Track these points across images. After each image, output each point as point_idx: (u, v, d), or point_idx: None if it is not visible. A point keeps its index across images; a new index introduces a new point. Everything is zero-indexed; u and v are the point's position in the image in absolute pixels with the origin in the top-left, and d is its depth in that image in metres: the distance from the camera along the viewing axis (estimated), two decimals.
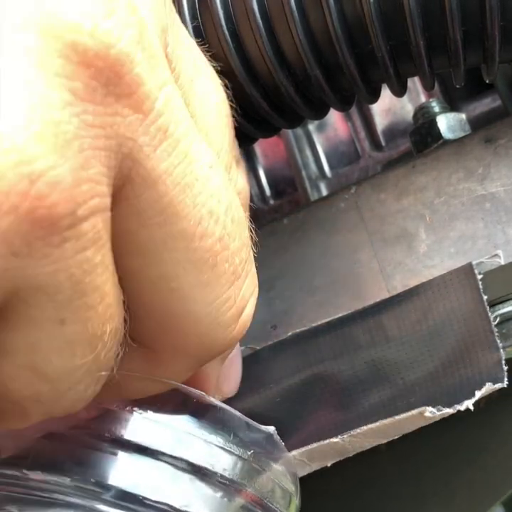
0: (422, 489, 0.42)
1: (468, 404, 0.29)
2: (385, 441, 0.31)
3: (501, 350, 0.30)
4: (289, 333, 0.34)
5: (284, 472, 0.27)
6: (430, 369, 0.31)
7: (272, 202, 0.52)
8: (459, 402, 0.29)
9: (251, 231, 0.23)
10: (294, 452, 0.31)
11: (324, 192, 0.51)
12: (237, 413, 0.27)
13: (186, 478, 0.23)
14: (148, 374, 0.23)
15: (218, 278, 0.21)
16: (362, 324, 0.33)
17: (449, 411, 0.29)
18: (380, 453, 0.32)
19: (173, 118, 0.19)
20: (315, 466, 0.32)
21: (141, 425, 0.24)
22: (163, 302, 0.20)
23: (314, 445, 0.31)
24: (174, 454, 0.23)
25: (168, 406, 0.25)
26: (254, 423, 0.27)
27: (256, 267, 0.24)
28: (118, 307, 0.19)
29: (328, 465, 0.32)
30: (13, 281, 0.16)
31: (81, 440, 0.23)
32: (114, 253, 0.19)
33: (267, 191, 0.52)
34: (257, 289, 0.24)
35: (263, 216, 0.51)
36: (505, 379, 0.29)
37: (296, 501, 0.28)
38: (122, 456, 0.23)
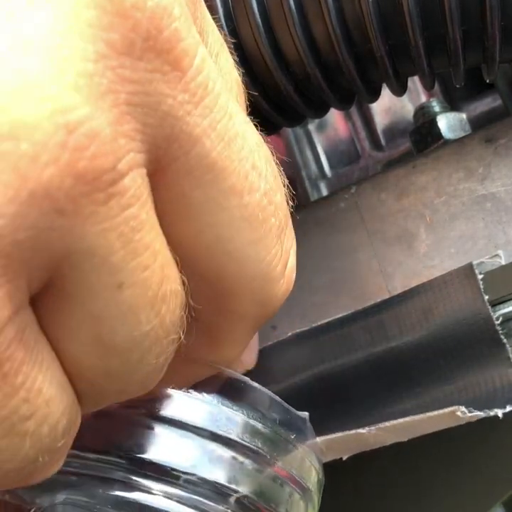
0: (421, 489, 0.42)
1: (499, 412, 0.29)
2: (406, 439, 0.31)
3: (507, 347, 0.30)
4: (289, 333, 0.34)
5: (311, 452, 0.28)
6: (435, 369, 0.31)
7: None
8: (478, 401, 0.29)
9: (285, 186, 0.23)
10: (317, 439, 0.31)
11: (324, 192, 0.51)
12: (269, 392, 0.27)
13: (217, 451, 0.24)
14: (208, 353, 0.23)
15: (268, 233, 0.21)
16: (362, 324, 0.33)
17: (480, 414, 0.29)
18: (379, 452, 0.32)
19: (211, 75, 0.18)
20: (329, 457, 0.32)
21: (178, 401, 0.24)
22: (218, 266, 0.20)
23: (339, 434, 0.31)
24: (207, 428, 0.24)
25: (205, 384, 0.25)
26: (283, 402, 0.28)
27: None
28: (173, 268, 0.19)
29: (344, 458, 0.32)
30: (62, 243, 0.16)
31: (124, 417, 0.23)
32: (168, 221, 0.19)
33: None
34: (295, 241, 0.24)
35: None
36: None
37: (320, 477, 0.29)
38: (158, 430, 0.23)
